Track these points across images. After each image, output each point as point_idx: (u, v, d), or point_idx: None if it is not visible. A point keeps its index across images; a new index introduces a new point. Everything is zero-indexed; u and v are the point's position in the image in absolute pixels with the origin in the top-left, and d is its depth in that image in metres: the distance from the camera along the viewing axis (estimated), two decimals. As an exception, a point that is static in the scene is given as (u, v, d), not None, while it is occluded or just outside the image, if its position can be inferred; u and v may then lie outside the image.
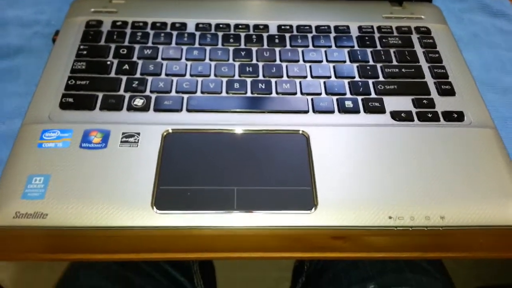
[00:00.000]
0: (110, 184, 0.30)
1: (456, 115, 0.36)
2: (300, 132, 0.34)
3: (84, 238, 0.32)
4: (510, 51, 0.46)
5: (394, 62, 0.40)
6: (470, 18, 0.49)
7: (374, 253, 0.36)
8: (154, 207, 0.30)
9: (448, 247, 0.37)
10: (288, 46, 0.41)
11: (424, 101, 0.37)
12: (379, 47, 0.41)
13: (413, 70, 0.39)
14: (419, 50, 0.41)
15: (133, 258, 0.35)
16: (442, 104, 0.37)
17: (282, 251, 0.35)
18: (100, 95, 0.36)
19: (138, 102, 0.36)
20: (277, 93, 0.37)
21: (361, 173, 0.32)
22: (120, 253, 0.34)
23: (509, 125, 0.39)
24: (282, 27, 0.43)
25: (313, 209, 0.30)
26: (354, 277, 0.45)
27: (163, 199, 0.30)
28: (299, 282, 0.52)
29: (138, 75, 0.38)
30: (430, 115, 0.36)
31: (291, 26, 0.43)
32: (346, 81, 0.38)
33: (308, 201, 0.30)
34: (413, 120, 0.36)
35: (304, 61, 0.40)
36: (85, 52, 0.39)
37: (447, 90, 0.38)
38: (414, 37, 0.42)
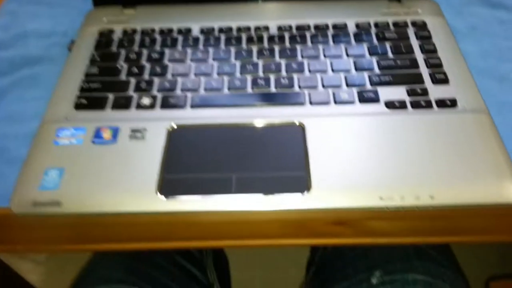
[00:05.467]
0: (120, 175, 0.33)
1: (449, 102, 0.37)
2: (297, 123, 0.36)
3: (96, 226, 0.35)
4: (508, 39, 0.46)
5: (390, 55, 0.41)
6: (469, 11, 0.50)
7: (375, 238, 0.37)
8: (159, 194, 0.32)
9: (450, 231, 0.37)
10: (287, 45, 0.43)
11: (418, 90, 0.38)
12: (375, 41, 0.43)
13: (407, 61, 0.41)
14: (414, 43, 0.43)
15: (144, 247, 0.37)
16: (435, 92, 0.38)
17: (283, 237, 0.37)
18: (111, 96, 0.39)
19: (146, 101, 0.38)
20: (275, 88, 0.39)
21: (354, 158, 0.33)
22: (132, 242, 0.36)
23: (504, 111, 0.39)
24: (281, 27, 0.45)
25: (307, 192, 0.32)
26: (361, 265, 0.46)
27: (167, 186, 0.32)
28: (309, 274, 0.53)
29: (146, 77, 0.41)
30: (423, 103, 0.37)
31: (290, 26, 0.45)
32: (342, 74, 0.40)
33: (302, 185, 0.32)
34: (406, 108, 0.37)
35: (302, 57, 0.42)
36: (98, 58, 0.43)
37: (441, 79, 0.39)
38: (410, 31, 0.44)
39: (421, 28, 0.44)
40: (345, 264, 0.47)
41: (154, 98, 0.39)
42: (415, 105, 0.37)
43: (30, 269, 0.98)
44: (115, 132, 0.36)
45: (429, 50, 0.42)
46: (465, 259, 0.51)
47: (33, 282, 0.80)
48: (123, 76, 0.41)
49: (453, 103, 0.37)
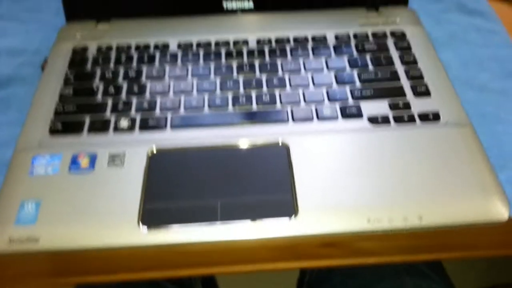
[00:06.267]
0: (98, 206, 0.32)
1: (432, 116, 0.37)
2: (280, 143, 0.35)
3: (77, 260, 0.33)
4: (486, 48, 0.46)
5: (370, 67, 0.41)
6: (448, 18, 0.50)
7: (365, 258, 0.37)
8: (141, 224, 0.31)
9: (438, 248, 0.37)
10: (267, 59, 0.42)
11: (400, 103, 0.38)
12: (355, 53, 0.42)
13: (388, 73, 0.40)
14: (394, 54, 0.42)
15: (128, 278, 0.36)
16: (418, 105, 0.38)
17: (272, 261, 0.36)
18: (87, 119, 0.38)
19: (124, 123, 0.37)
20: (257, 105, 0.39)
21: (339, 179, 0.33)
22: (115, 273, 0.35)
23: (486, 121, 0.40)
24: (261, 41, 0.44)
25: (293, 216, 0.31)
26: (352, 285, 0.45)
27: (149, 216, 0.31)
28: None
29: (123, 97, 0.39)
30: (406, 118, 0.37)
31: (269, 39, 0.44)
32: (323, 89, 0.39)
33: (289, 209, 0.31)
34: (389, 124, 0.37)
35: (283, 72, 0.41)
36: (72, 78, 0.41)
37: (423, 91, 0.39)
38: (390, 41, 0.44)
39: (400, 38, 0.44)
40: (336, 285, 0.47)
41: (132, 119, 0.37)
42: (398, 119, 0.37)
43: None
44: (92, 159, 0.34)
45: (409, 62, 0.42)
46: (456, 272, 0.51)
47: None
48: (99, 97, 0.39)
49: (435, 116, 0.37)
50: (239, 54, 0.43)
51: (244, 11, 0.47)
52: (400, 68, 0.41)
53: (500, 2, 0.53)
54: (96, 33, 0.46)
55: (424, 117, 0.37)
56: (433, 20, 0.50)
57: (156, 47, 0.44)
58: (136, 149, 0.35)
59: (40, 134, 0.37)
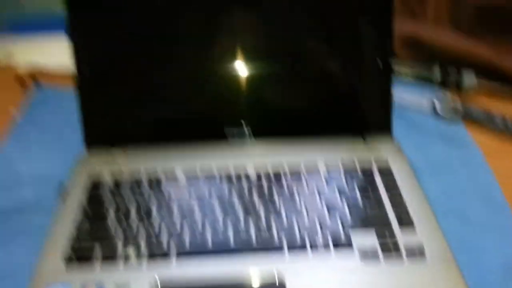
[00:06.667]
0: None
1: (416, 250, 0.40)
2: (277, 284, 0.38)
3: None
4: (467, 176, 0.51)
5: (358, 199, 0.45)
6: (431, 148, 0.55)
7: None
8: None
9: None
10: (265, 190, 0.46)
11: (387, 234, 0.42)
12: (343, 185, 0.47)
13: (374, 204, 0.45)
14: (380, 185, 0.47)
15: None
16: (403, 236, 0.41)
17: None
18: (99, 250, 0.41)
19: (132, 255, 0.40)
20: (256, 233, 0.42)
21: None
22: None
23: (470, 252, 0.42)
24: (258, 168, 0.49)
25: None
26: None
27: None
28: None
29: (133, 226, 0.43)
30: (393, 250, 0.40)
31: (266, 166, 0.49)
32: (316, 218, 0.43)
33: None
34: (378, 257, 0.40)
35: (279, 203, 0.45)
36: (87, 209, 0.45)
37: (407, 222, 0.42)
38: (375, 172, 0.48)
39: (384, 169, 0.48)
40: None
41: (140, 252, 0.41)
42: (386, 252, 0.40)
43: None
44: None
45: (394, 193, 0.46)
46: None
47: None
48: (111, 228, 0.43)
49: (420, 251, 0.40)
50: (239, 180, 0.47)
51: (243, 137, 0.52)
52: (385, 199, 0.45)
53: (477, 129, 0.58)
54: (111, 160, 0.51)
55: (409, 252, 0.40)
56: (416, 150, 0.54)
57: (163, 173, 0.49)
58: (142, 283, 0.38)
59: (55, 263, 0.40)
